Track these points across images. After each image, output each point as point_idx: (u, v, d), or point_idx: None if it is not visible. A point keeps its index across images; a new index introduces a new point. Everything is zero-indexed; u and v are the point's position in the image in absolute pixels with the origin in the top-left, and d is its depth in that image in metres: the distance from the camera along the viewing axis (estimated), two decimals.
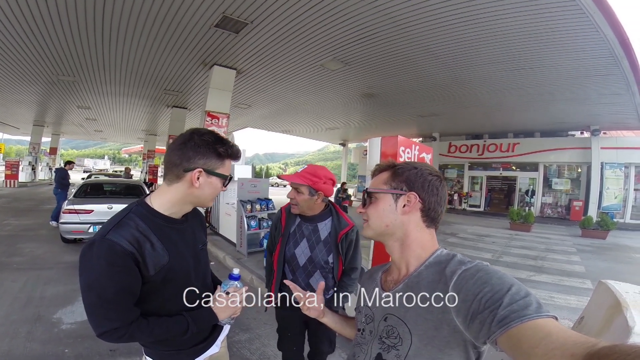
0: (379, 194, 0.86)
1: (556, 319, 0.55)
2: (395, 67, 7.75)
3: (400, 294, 0.80)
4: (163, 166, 1.13)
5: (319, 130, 18.46)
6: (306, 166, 1.79)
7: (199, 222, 1.31)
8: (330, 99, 11.07)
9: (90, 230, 5.63)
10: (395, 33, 5.98)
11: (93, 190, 6.98)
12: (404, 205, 0.82)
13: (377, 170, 0.94)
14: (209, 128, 1.27)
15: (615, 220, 10.26)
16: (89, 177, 13.52)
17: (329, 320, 1.14)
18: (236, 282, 1.21)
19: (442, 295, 0.69)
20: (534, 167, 15.57)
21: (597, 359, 0.41)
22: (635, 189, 13.45)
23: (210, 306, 1.15)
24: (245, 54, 7.22)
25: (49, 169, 24.15)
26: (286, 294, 1.78)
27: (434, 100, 10.57)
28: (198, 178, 1.04)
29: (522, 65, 7.25)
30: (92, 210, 5.75)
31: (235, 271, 1.22)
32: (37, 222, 8.00)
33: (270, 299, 1.85)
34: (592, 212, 12.66)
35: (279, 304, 1.83)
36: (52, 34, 6.28)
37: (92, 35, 6.30)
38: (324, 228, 1.79)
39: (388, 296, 0.84)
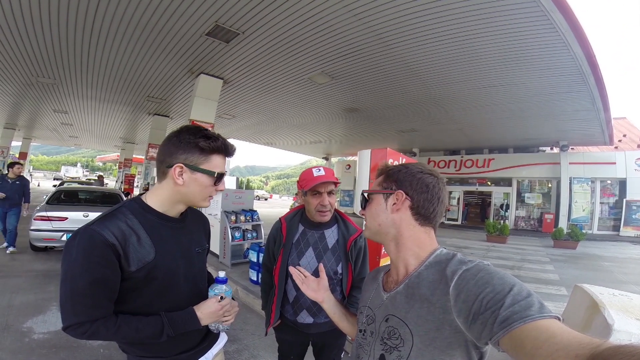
0: (373, 195, 0.90)
1: (559, 319, 0.55)
2: (378, 82, 7.98)
3: (401, 294, 0.79)
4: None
5: (302, 144, 18.50)
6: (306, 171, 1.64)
7: (202, 226, 1.27)
8: (314, 112, 11.19)
9: (63, 238, 5.39)
10: (379, 49, 6.20)
11: (67, 198, 6.75)
12: (394, 204, 0.84)
13: (376, 175, 0.96)
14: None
15: (584, 231, 10.81)
16: (60, 184, 12.94)
17: (329, 307, 1.11)
18: (223, 286, 1.14)
19: (443, 296, 0.68)
20: (507, 182, 16.28)
21: None
22: (600, 202, 14.31)
23: (191, 308, 1.06)
24: (233, 64, 7.24)
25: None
26: (286, 314, 1.67)
27: (413, 116, 10.91)
28: (181, 175, 1.00)
29: (493, 82, 7.60)
30: (67, 218, 5.54)
31: (221, 274, 1.16)
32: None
33: (271, 322, 1.68)
34: (563, 224, 13.31)
35: (278, 326, 1.70)
36: (31, 33, 6.03)
37: (79, 36, 6.11)
38: (331, 235, 1.64)
39: (389, 297, 0.83)
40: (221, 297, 1.11)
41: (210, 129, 6.34)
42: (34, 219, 5.41)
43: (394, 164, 0.93)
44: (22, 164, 6.04)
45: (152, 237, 1.00)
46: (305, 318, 1.62)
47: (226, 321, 1.16)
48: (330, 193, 1.58)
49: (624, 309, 1.86)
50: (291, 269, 1.18)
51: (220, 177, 1.07)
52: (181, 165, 1.00)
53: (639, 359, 0.37)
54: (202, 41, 6.13)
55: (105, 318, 0.93)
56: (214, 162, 1.05)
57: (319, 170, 1.57)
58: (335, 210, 1.71)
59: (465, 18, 5.07)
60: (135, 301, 1.00)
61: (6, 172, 5.98)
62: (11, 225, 5.68)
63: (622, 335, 1.62)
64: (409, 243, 0.83)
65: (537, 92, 8.08)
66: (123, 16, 5.32)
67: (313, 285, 1.14)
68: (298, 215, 1.71)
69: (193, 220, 1.20)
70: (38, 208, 5.83)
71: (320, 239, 1.63)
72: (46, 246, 5.64)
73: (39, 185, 29.07)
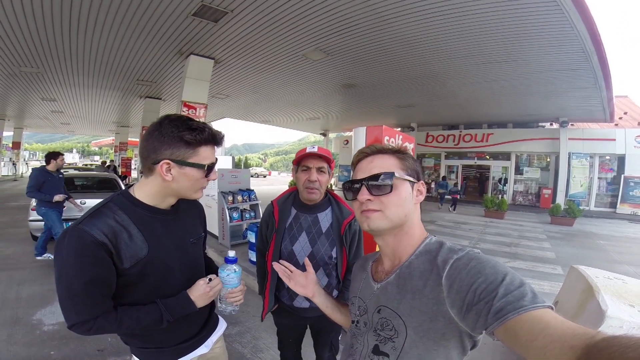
0: (399, 180, 0.78)
1: (552, 308, 0.55)
2: (375, 58, 7.77)
3: (392, 285, 0.78)
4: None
5: (299, 120, 18.35)
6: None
7: (196, 214, 1.23)
8: (310, 89, 10.98)
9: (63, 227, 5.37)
10: (376, 24, 5.97)
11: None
12: (417, 195, 0.81)
13: (375, 151, 0.85)
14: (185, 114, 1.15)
15: (581, 207, 10.86)
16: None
17: (321, 301, 1.08)
18: (233, 266, 1.14)
19: (435, 287, 0.68)
20: (506, 156, 16.23)
21: (596, 351, 0.40)
22: (598, 178, 14.32)
23: (185, 292, 1.06)
24: (223, 44, 6.99)
25: (13, 164, 22.76)
26: (282, 299, 1.65)
27: (411, 91, 10.73)
28: (169, 171, 0.96)
29: (495, 59, 7.42)
30: (64, 207, 5.49)
31: (231, 254, 1.15)
32: (3, 221, 7.54)
33: (265, 308, 1.67)
34: (560, 199, 13.38)
35: (275, 310, 1.70)
36: (13, 21, 5.79)
37: (57, 23, 5.85)
38: (325, 218, 1.59)
39: (380, 287, 0.82)
40: (209, 279, 1.10)
41: (203, 109, 6.10)
42: (32, 209, 5.36)
43: (400, 147, 0.89)
44: (63, 154, 5.06)
45: (143, 233, 0.97)
46: (301, 302, 1.61)
47: (235, 301, 1.15)
48: (320, 170, 1.51)
49: (617, 294, 1.86)
50: (275, 266, 1.14)
51: (210, 168, 1.03)
52: (168, 161, 0.95)
53: (633, 350, 0.36)
54: (189, 22, 5.87)
55: (106, 313, 0.93)
56: (203, 154, 1.00)
57: (313, 147, 1.52)
58: (329, 192, 1.67)
59: None
60: (132, 296, 0.99)
61: (44, 164, 4.81)
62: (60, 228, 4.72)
63: (615, 322, 1.63)
64: (415, 233, 0.81)
65: (539, 69, 7.93)
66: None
67: (301, 280, 1.09)
68: (291, 197, 1.66)
69: (186, 210, 1.16)
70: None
71: (313, 222, 1.58)
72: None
73: None
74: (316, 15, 5.68)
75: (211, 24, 5.94)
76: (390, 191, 0.77)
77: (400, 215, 0.78)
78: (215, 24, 5.94)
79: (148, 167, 0.99)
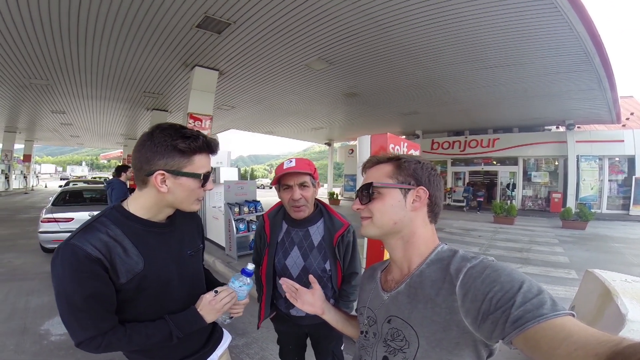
0: (384, 189, 0.80)
1: (573, 315, 0.54)
2: (377, 66, 7.82)
3: (403, 294, 0.77)
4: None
5: (303, 130, 18.42)
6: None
7: (194, 226, 1.20)
8: (314, 99, 11.05)
9: None
10: (376, 32, 6.03)
11: (72, 198, 6.80)
12: (413, 201, 0.79)
13: (374, 162, 0.87)
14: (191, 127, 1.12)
15: (592, 210, 10.64)
16: (66, 184, 13.05)
17: (331, 317, 1.08)
18: (247, 279, 1.12)
19: (448, 296, 0.66)
20: (513, 161, 16.04)
21: (622, 358, 0.39)
22: (609, 180, 14.03)
23: (193, 307, 1.04)
24: (227, 55, 7.10)
25: (24, 177, 23.15)
26: (279, 307, 1.65)
27: (414, 98, 10.75)
28: (164, 182, 0.93)
29: (495, 63, 7.43)
30: (73, 219, 5.56)
31: (250, 267, 1.13)
32: (14, 232, 7.67)
33: (261, 318, 1.68)
34: (571, 203, 13.14)
35: (272, 318, 1.71)
36: (24, 35, 5.96)
37: (66, 36, 6.01)
38: (317, 232, 1.55)
39: (390, 297, 0.80)
40: (215, 291, 1.07)
41: (209, 121, 6.14)
42: (41, 221, 5.47)
43: (401, 154, 0.86)
44: (129, 166, 5.34)
45: (138, 247, 0.94)
46: (298, 311, 1.58)
47: (235, 313, 1.13)
48: (302, 185, 1.43)
49: (637, 297, 1.79)
50: (282, 282, 1.13)
51: (206, 177, 0.99)
52: (162, 172, 0.92)
53: None
54: (193, 33, 5.98)
55: (114, 329, 0.91)
56: (198, 163, 0.97)
57: (290, 161, 1.45)
58: (321, 203, 1.62)
59: None
60: (131, 311, 0.96)
61: (112, 177, 5.23)
62: None
63: (636, 325, 1.56)
64: (419, 242, 0.79)
65: (542, 72, 7.90)
66: (108, 12, 5.18)
67: (308, 298, 1.09)
68: (282, 211, 1.62)
69: (183, 222, 1.13)
70: (45, 210, 5.86)
71: (305, 237, 1.54)
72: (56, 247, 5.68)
73: (46, 187, 29.43)
74: (318, 25, 5.75)
75: (215, 35, 6.04)
76: (373, 199, 0.81)
77: (388, 222, 0.79)
78: (218, 35, 6.04)
79: (142, 179, 0.95)
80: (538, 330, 0.52)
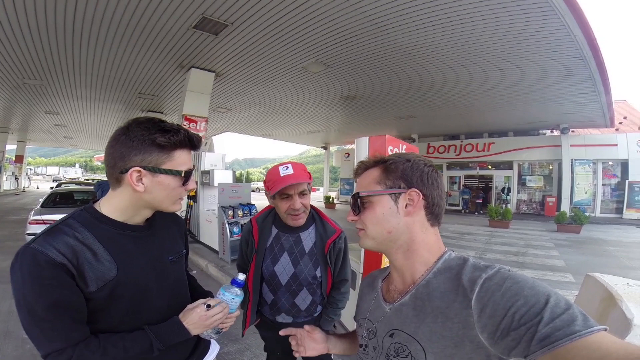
0: (373, 197, 0.74)
1: (606, 329, 0.49)
2: (373, 69, 7.83)
3: (408, 306, 0.71)
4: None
5: (300, 134, 18.42)
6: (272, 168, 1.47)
7: (176, 229, 1.10)
8: (311, 101, 11.04)
9: None
10: (374, 35, 6.03)
11: (62, 200, 6.68)
12: (406, 205, 0.72)
13: (362, 168, 0.80)
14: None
15: (587, 214, 10.72)
16: (57, 186, 12.87)
17: (337, 349, 1.03)
18: (238, 289, 1.04)
19: (462, 310, 0.61)
20: (508, 165, 16.15)
21: None
22: (603, 184, 14.16)
23: (176, 317, 0.95)
24: (224, 57, 7.06)
25: (15, 178, 22.84)
26: (264, 313, 1.60)
27: (412, 102, 10.79)
28: (140, 180, 0.85)
29: (492, 67, 7.47)
30: None
31: (241, 277, 1.05)
32: (2, 234, 7.53)
33: (246, 325, 1.63)
34: (565, 207, 13.24)
35: (257, 325, 1.67)
36: (19, 34, 5.87)
37: (61, 36, 5.94)
38: (308, 238, 1.50)
39: (392, 309, 0.74)
40: (208, 305, 0.98)
41: (204, 123, 6.08)
42: (29, 223, 5.36)
43: (388, 155, 0.78)
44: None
45: (111, 252, 0.85)
46: (284, 318, 1.56)
47: (225, 327, 1.06)
48: (302, 194, 1.39)
49: None
50: (282, 333, 1.11)
51: (188, 175, 0.91)
52: (138, 169, 0.84)
53: None
54: (189, 35, 5.94)
55: (86, 341, 0.82)
56: (179, 159, 0.89)
57: (286, 168, 1.38)
58: (313, 208, 1.56)
59: (461, 1, 4.90)
60: (105, 321, 0.87)
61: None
62: None
63: None
64: (421, 249, 0.73)
65: (538, 76, 7.97)
66: (104, 13, 5.12)
67: (310, 343, 1.04)
68: (271, 215, 1.56)
69: (163, 225, 1.04)
70: (33, 212, 5.73)
71: (296, 242, 1.50)
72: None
73: (38, 188, 29.03)
74: (315, 27, 5.74)
75: (212, 36, 6.00)
76: (364, 209, 0.76)
77: (382, 232, 0.73)
78: (215, 36, 5.99)
79: (115, 177, 0.86)
80: (570, 349, 0.47)
